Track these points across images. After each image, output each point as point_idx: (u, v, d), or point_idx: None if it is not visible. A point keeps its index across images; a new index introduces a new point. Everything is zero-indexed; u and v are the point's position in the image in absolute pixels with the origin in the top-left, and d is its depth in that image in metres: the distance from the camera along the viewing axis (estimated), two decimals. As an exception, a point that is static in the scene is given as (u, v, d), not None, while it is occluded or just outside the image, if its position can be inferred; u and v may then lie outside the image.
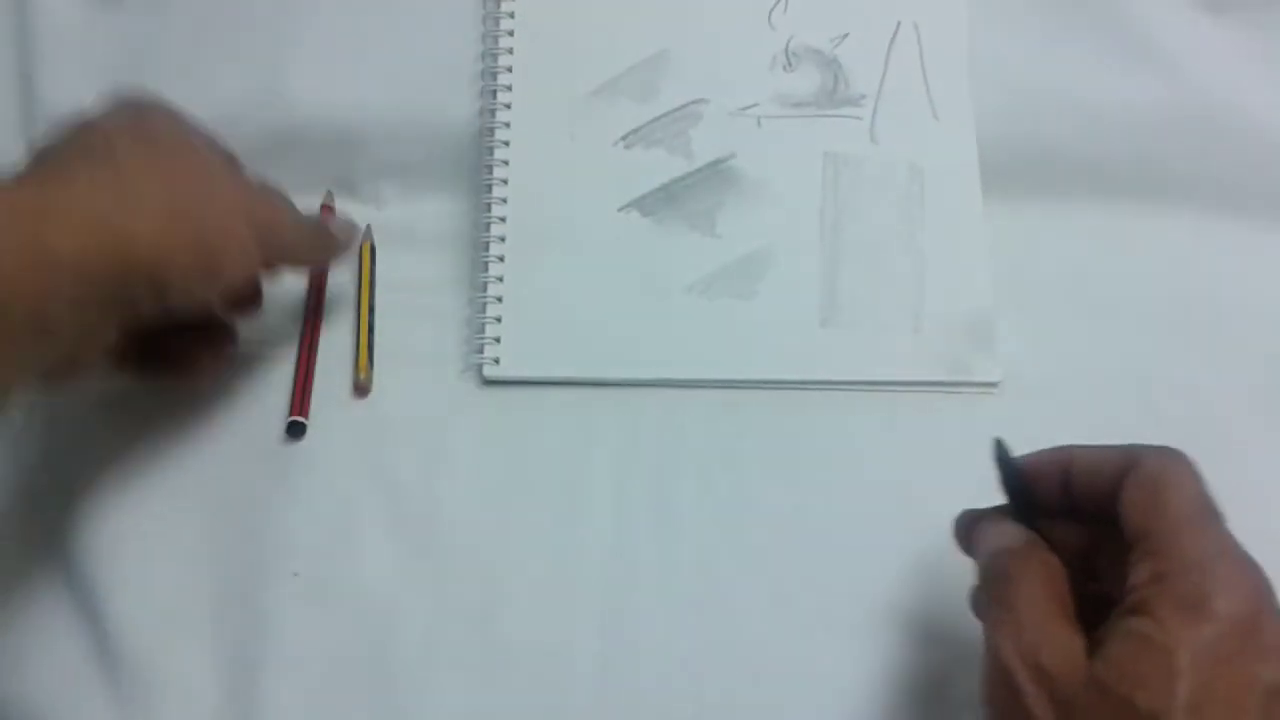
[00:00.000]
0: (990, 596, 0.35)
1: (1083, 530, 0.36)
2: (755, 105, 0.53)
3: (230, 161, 0.44)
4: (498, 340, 0.49)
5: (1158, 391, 0.49)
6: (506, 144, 0.52)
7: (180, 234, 0.37)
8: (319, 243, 0.48)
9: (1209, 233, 0.52)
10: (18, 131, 0.54)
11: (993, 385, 0.49)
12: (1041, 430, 0.47)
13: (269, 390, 0.48)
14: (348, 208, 0.53)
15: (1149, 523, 0.33)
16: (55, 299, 0.35)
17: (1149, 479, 0.34)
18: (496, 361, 0.49)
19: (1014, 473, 0.36)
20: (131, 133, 0.40)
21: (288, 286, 0.49)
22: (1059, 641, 0.32)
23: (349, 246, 0.49)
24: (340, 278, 0.51)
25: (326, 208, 0.52)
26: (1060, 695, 0.30)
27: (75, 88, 0.54)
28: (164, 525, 0.45)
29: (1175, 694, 0.29)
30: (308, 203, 0.53)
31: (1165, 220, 0.53)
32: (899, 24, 0.54)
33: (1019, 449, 0.47)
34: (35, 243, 0.34)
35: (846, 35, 0.54)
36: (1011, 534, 0.36)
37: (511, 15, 0.53)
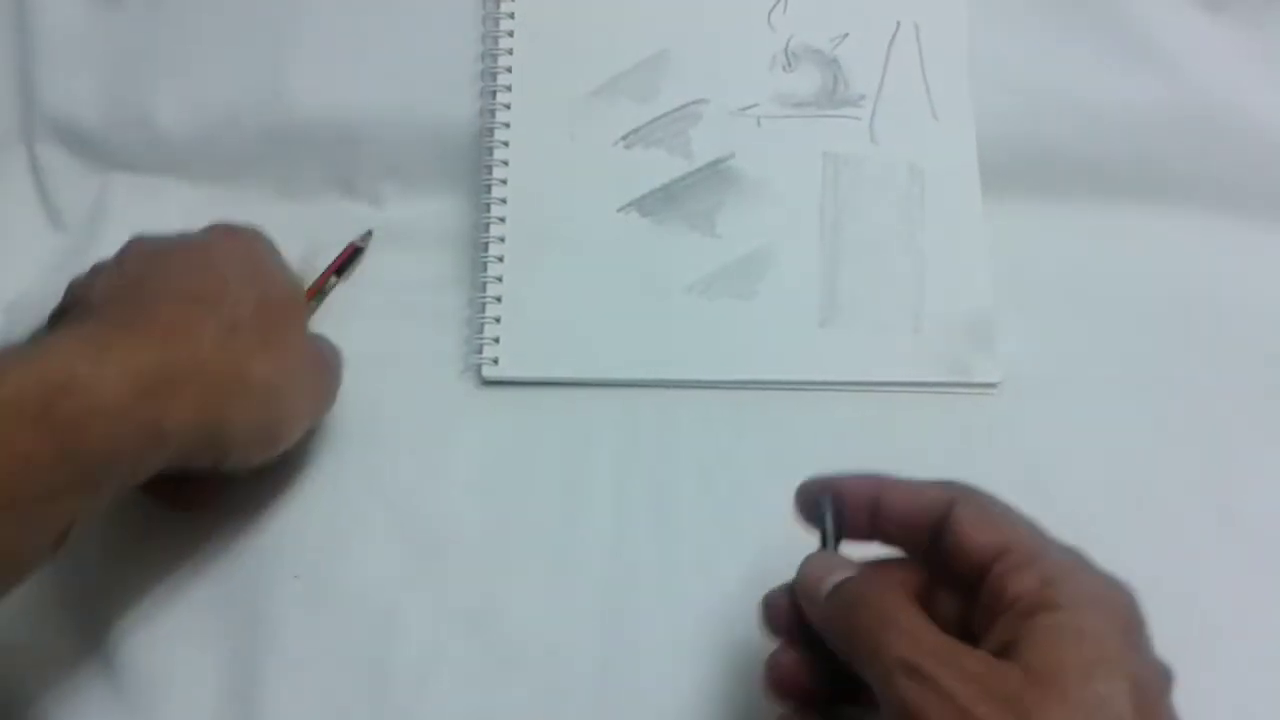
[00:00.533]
0: (857, 624, 0.32)
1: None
2: (755, 105, 0.53)
3: (298, 302, 0.44)
4: (497, 340, 0.49)
5: (1158, 391, 0.49)
6: (506, 144, 0.52)
7: (263, 419, 0.39)
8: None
9: (1209, 232, 0.52)
10: (18, 131, 0.54)
11: (993, 385, 0.49)
12: (1041, 430, 0.48)
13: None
14: (348, 207, 0.53)
15: (1003, 537, 0.32)
16: (148, 462, 0.35)
17: (980, 503, 0.33)
18: (496, 361, 0.49)
19: (840, 519, 0.36)
20: (254, 293, 0.40)
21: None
22: (957, 644, 0.30)
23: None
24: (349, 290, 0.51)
25: (353, 246, 0.52)
26: (1000, 693, 0.28)
27: (75, 88, 0.54)
28: (164, 526, 0.45)
29: (1121, 680, 0.29)
30: (308, 202, 0.53)
31: (1165, 220, 0.53)
32: (899, 24, 0.54)
33: (1019, 449, 0.47)
34: (153, 424, 0.34)
35: (846, 35, 0.54)
36: (843, 566, 0.34)
37: (511, 15, 0.53)
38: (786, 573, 0.44)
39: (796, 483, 0.46)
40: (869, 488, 0.35)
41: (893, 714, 0.29)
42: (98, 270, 0.40)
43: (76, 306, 0.38)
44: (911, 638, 0.30)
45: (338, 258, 0.51)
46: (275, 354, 0.39)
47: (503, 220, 0.51)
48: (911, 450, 0.47)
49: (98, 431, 0.33)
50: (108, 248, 0.52)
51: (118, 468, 0.34)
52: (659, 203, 0.51)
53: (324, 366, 0.44)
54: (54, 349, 0.34)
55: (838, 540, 0.36)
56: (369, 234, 0.51)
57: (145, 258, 0.40)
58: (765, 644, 0.43)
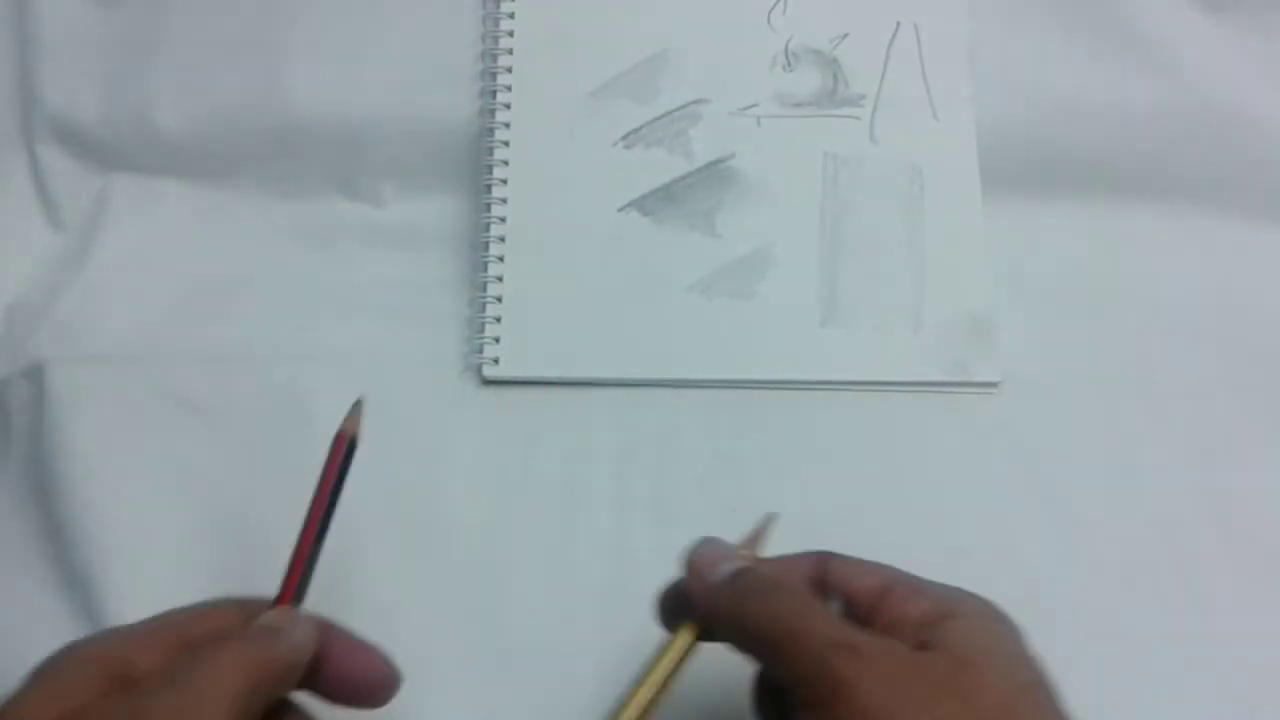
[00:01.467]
0: (775, 609, 0.32)
1: None
2: (755, 105, 0.53)
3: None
4: (497, 340, 0.49)
5: (1158, 391, 0.49)
6: (506, 144, 0.52)
7: None
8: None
9: (1209, 232, 0.52)
10: (18, 131, 0.54)
11: (993, 385, 0.49)
12: (1041, 430, 0.48)
13: (267, 386, 0.48)
14: (348, 207, 0.53)
15: (884, 577, 0.33)
16: None
17: (849, 559, 0.34)
18: (496, 361, 0.49)
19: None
20: None
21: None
22: (880, 636, 0.31)
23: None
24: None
25: (342, 436, 0.35)
26: (932, 673, 0.29)
27: (75, 88, 0.54)
28: (163, 526, 0.45)
29: (1033, 671, 0.30)
30: (308, 202, 0.53)
31: (1165, 220, 0.53)
32: (899, 24, 0.54)
33: (1019, 449, 0.47)
34: None
35: (846, 35, 0.54)
36: (734, 556, 0.34)
37: (511, 15, 0.53)
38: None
39: (796, 483, 0.46)
40: (813, 564, 0.35)
41: (822, 693, 0.29)
42: None
43: None
44: (835, 622, 0.31)
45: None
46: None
47: (503, 220, 0.51)
48: (911, 450, 0.47)
49: None
50: (108, 248, 0.52)
51: None
52: (659, 203, 0.51)
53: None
54: None
55: None
56: (357, 404, 0.36)
57: None
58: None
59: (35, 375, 0.48)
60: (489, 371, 0.49)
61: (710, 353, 0.49)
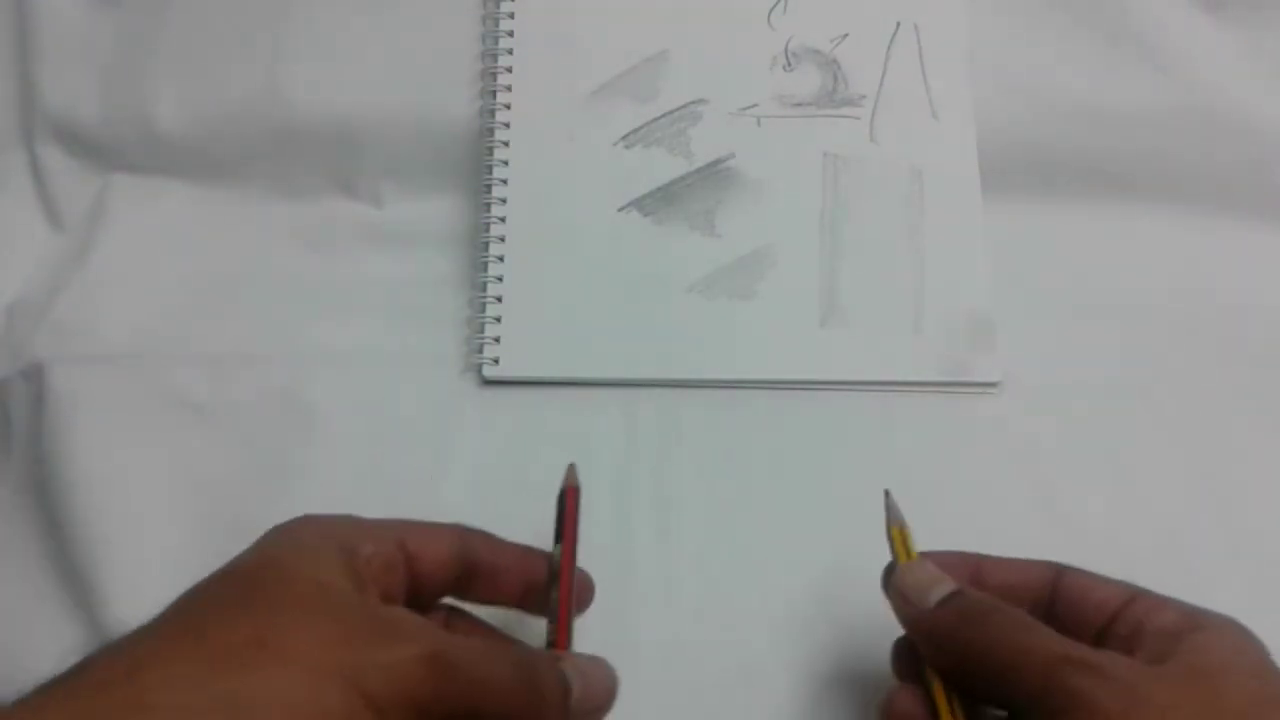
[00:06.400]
0: (995, 632, 0.32)
1: None
2: (755, 105, 0.53)
3: (331, 588, 0.30)
4: (498, 340, 0.49)
5: (1158, 391, 0.49)
6: (506, 144, 0.52)
7: None
8: (515, 698, 0.30)
9: (1209, 232, 0.52)
10: (18, 131, 0.54)
11: (993, 385, 0.49)
12: (1041, 430, 0.48)
13: (267, 386, 0.48)
14: (348, 207, 0.53)
15: (1127, 590, 0.33)
16: None
17: (1086, 571, 0.34)
18: (496, 361, 0.49)
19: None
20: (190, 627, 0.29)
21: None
22: (1105, 651, 0.31)
23: (596, 708, 0.33)
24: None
25: (570, 490, 0.38)
26: (1170, 682, 0.29)
27: (75, 88, 0.54)
28: (163, 526, 0.45)
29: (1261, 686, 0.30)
30: (308, 202, 0.53)
31: (1165, 220, 0.53)
32: (898, 24, 0.54)
33: (1019, 449, 0.47)
34: None
35: (846, 35, 0.54)
36: (942, 578, 0.34)
37: (511, 15, 0.53)
38: (785, 572, 0.44)
39: (796, 482, 0.46)
40: (962, 563, 0.36)
41: (1053, 708, 0.29)
42: None
43: None
44: (1061, 639, 0.30)
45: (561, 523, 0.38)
46: (218, 663, 0.27)
47: (503, 220, 0.51)
48: (911, 450, 0.47)
49: None
50: (108, 248, 0.52)
51: None
52: (659, 203, 0.51)
53: (380, 645, 0.29)
54: None
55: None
56: (571, 470, 0.39)
57: None
58: (764, 646, 0.43)
59: (35, 375, 0.48)
60: (489, 371, 0.49)
61: (710, 353, 0.49)
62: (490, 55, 0.53)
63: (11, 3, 0.54)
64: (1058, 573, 0.35)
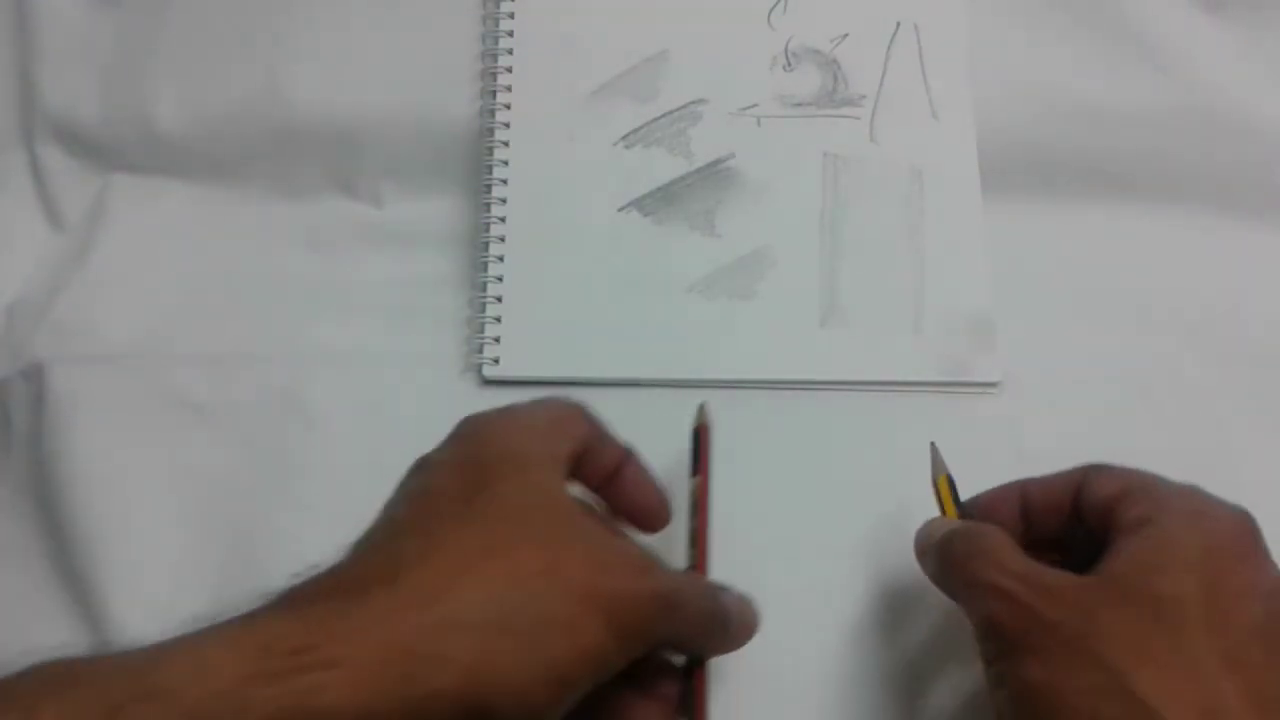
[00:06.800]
0: (955, 560, 0.36)
1: None
2: (755, 105, 0.53)
3: (578, 511, 0.34)
4: (498, 340, 0.49)
5: (1158, 391, 0.49)
6: (506, 144, 0.52)
7: (508, 650, 0.29)
8: (703, 625, 0.35)
9: (1209, 232, 0.52)
10: (18, 131, 0.54)
11: (993, 385, 0.49)
12: (1041, 430, 0.48)
13: (267, 386, 0.48)
14: (348, 207, 0.53)
15: (1125, 482, 0.35)
16: None
17: (1110, 469, 0.37)
18: (496, 361, 0.49)
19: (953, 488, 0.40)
20: (463, 500, 0.32)
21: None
22: (1042, 567, 0.33)
23: (746, 635, 0.37)
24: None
25: (703, 427, 0.42)
26: (1070, 599, 0.32)
27: (75, 88, 0.54)
28: (163, 526, 0.45)
29: (1191, 581, 0.31)
30: (308, 202, 0.53)
31: (1165, 220, 0.53)
32: (898, 24, 0.54)
33: (1019, 448, 0.47)
34: (292, 706, 0.26)
35: (846, 35, 0.54)
36: (950, 522, 0.39)
37: (511, 15, 0.53)
38: (785, 572, 0.44)
39: (796, 482, 0.46)
40: (1013, 493, 0.38)
41: (981, 632, 0.34)
42: None
43: None
44: (999, 565, 0.34)
45: (697, 454, 0.42)
46: (500, 547, 0.31)
47: (503, 220, 0.51)
48: (911, 450, 0.47)
49: None
50: (108, 248, 0.52)
51: None
52: (659, 203, 0.51)
53: (621, 561, 0.33)
54: (152, 648, 0.28)
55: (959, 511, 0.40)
56: (701, 408, 0.43)
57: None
58: (764, 646, 0.43)
59: (35, 375, 0.48)
60: (489, 371, 0.49)
61: (710, 353, 0.49)
62: (490, 55, 0.53)
63: (11, 3, 0.54)
64: (1084, 475, 0.37)
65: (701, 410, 0.43)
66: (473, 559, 0.30)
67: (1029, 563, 0.34)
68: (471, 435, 0.35)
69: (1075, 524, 0.36)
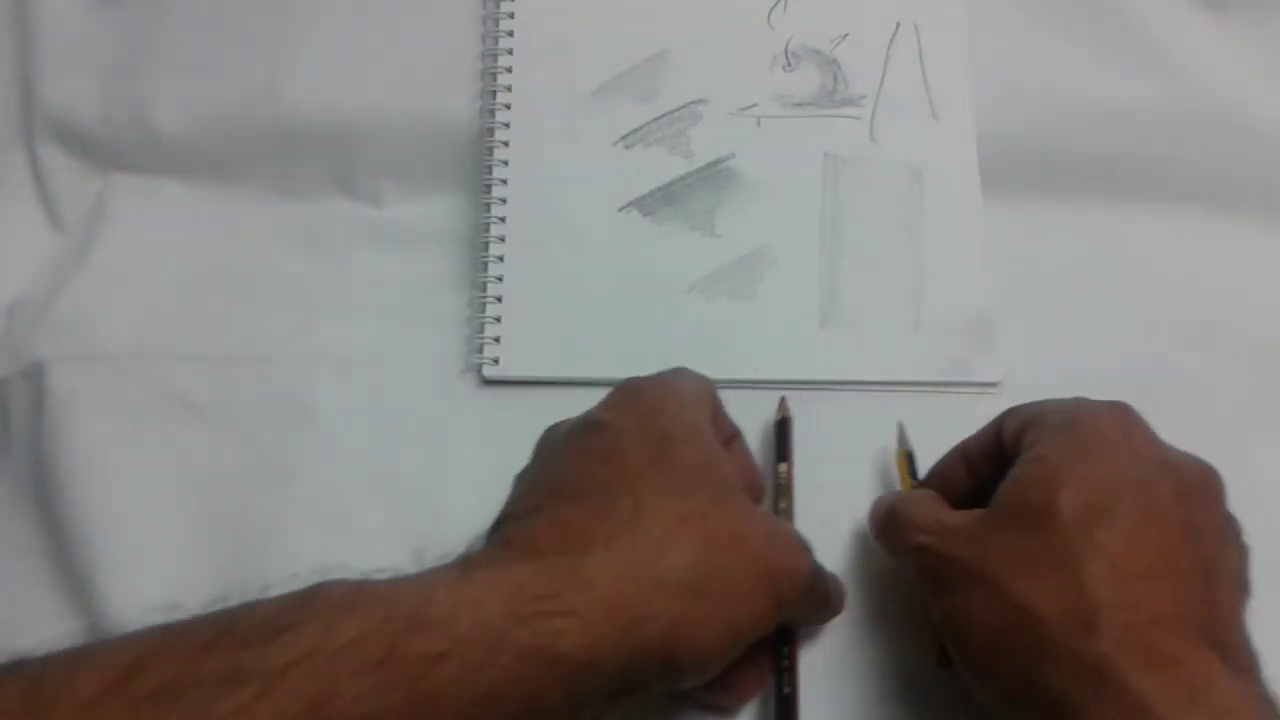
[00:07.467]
0: (892, 532, 0.40)
1: None
2: (755, 105, 0.53)
3: (736, 478, 0.37)
4: (498, 340, 0.49)
5: (1158, 391, 0.48)
6: (506, 144, 0.52)
7: (701, 611, 0.33)
8: (819, 600, 0.40)
9: (1209, 232, 0.52)
10: (18, 131, 0.54)
11: (993, 385, 0.49)
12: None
13: (267, 386, 0.48)
14: (348, 207, 0.53)
15: (1026, 417, 0.38)
16: (549, 694, 0.30)
17: (1018, 408, 0.39)
18: (496, 361, 0.49)
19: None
20: (657, 465, 0.35)
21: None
22: (950, 513, 0.37)
23: (839, 610, 0.42)
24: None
25: (786, 419, 0.46)
26: (966, 534, 0.35)
27: (75, 88, 0.54)
28: (163, 525, 0.45)
29: (1060, 487, 0.34)
30: (308, 202, 0.53)
31: (1165, 220, 0.53)
32: (898, 24, 0.54)
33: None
34: (539, 646, 0.30)
35: (846, 35, 0.54)
36: (891, 496, 0.42)
37: (511, 15, 0.53)
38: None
39: (795, 482, 0.46)
40: (957, 455, 0.41)
41: (916, 589, 0.39)
42: (520, 476, 0.39)
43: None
44: (920, 526, 0.37)
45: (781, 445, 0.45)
46: (695, 513, 0.34)
47: (503, 220, 0.51)
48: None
49: (447, 673, 0.29)
50: (108, 248, 0.52)
51: (511, 700, 0.30)
52: (659, 203, 0.51)
53: (775, 534, 0.37)
54: (417, 581, 0.32)
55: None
56: (783, 403, 0.46)
57: (544, 456, 0.39)
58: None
59: (35, 375, 0.48)
60: (489, 371, 0.49)
61: (710, 353, 0.49)
62: (490, 55, 0.53)
63: (11, 3, 0.54)
64: (1001, 419, 0.40)
65: (783, 403, 0.46)
66: (673, 525, 0.33)
67: (941, 514, 0.37)
68: (641, 401, 0.38)
69: (1007, 466, 0.37)
